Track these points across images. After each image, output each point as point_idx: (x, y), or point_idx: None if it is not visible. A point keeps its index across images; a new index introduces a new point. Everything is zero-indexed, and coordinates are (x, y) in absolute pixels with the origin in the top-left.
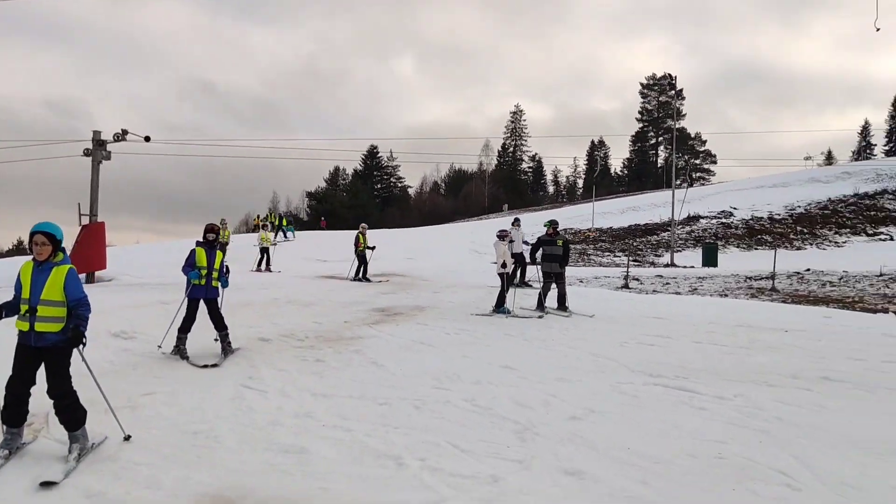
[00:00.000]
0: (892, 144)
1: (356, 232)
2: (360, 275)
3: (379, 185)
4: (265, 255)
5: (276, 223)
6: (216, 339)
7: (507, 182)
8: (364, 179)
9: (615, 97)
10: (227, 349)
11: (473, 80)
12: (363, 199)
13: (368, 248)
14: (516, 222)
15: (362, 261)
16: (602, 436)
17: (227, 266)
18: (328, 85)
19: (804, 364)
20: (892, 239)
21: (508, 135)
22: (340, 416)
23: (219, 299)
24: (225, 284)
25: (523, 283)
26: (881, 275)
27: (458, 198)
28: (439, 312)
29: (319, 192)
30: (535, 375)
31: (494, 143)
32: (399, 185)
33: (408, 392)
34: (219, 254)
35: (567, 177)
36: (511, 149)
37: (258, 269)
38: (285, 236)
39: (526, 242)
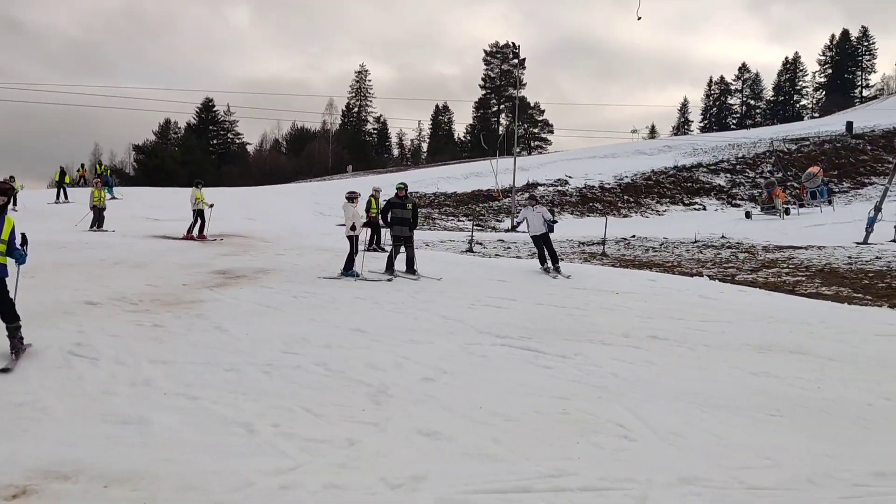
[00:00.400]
0: (706, 121)
1: (191, 189)
2: (198, 232)
3: (215, 141)
4: (99, 216)
5: (101, 171)
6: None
7: (351, 143)
8: (198, 134)
9: (457, 62)
10: (18, 347)
11: (313, 35)
12: (197, 154)
13: (207, 205)
14: (532, 200)
15: (200, 218)
16: (454, 396)
17: (23, 235)
18: (154, 30)
19: (634, 324)
20: (704, 209)
21: (353, 94)
22: (183, 383)
23: (8, 280)
24: (20, 260)
25: (378, 248)
26: (696, 241)
27: (300, 157)
28: (285, 275)
29: (148, 146)
30: (387, 338)
31: (339, 103)
32: (237, 141)
33: (256, 357)
34: (8, 220)
35: (412, 140)
36: (356, 109)
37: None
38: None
39: (553, 221)
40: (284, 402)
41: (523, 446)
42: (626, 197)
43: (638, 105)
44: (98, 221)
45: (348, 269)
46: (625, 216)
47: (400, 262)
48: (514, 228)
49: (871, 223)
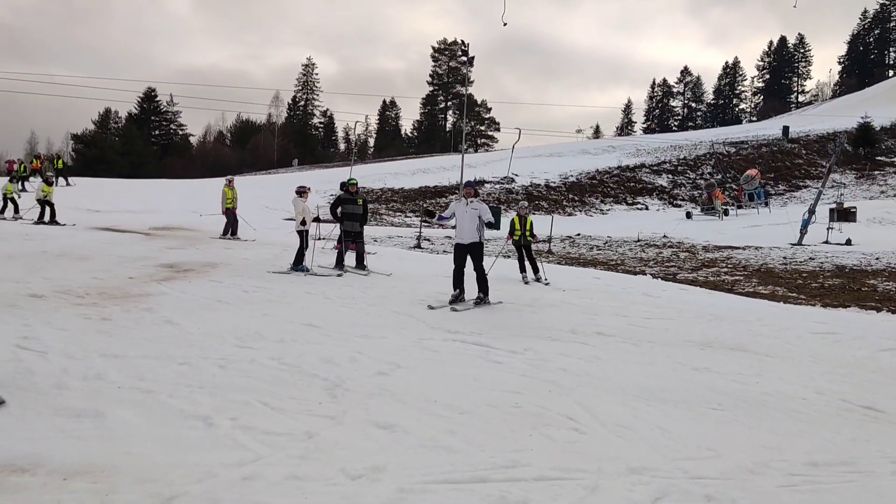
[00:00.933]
0: (649, 123)
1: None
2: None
3: (157, 132)
4: (49, 209)
5: (59, 167)
6: None
7: (297, 136)
8: (140, 125)
9: (400, 57)
10: None
11: (253, 25)
12: (139, 145)
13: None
14: (469, 189)
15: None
16: (409, 389)
17: None
18: (86, 15)
19: (580, 320)
20: (647, 209)
21: (300, 88)
22: (137, 377)
23: None
24: None
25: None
26: (638, 240)
27: (245, 150)
28: (234, 269)
29: (87, 135)
30: (340, 333)
31: (285, 96)
32: (180, 133)
33: (209, 351)
34: None
35: (359, 135)
36: (302, 103)
37: (41, 222)
38: (23, 186)
39: (491, 223)
40: (241, 396)
41: (478, 438)
42: (571, 196)
43: (582, 105)
44: (47, 214)
45: (298, 264)
46: (570, 214)
47: (350, 258)
48: (432, 221)
49: (805, 225)
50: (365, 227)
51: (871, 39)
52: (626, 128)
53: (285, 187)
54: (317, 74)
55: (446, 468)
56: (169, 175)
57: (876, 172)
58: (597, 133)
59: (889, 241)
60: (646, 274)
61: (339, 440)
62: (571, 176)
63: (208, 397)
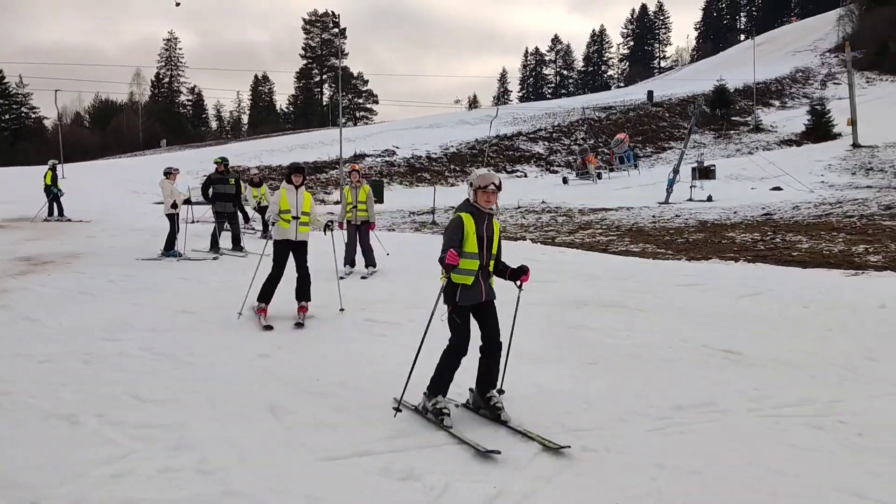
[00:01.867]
0: (524, 91)
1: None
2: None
3: (7, 117)
4: None
5: None
6: None
7: (164, 116)
8: None
9: (264, 28)
10: None
11: None
12: None
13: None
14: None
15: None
16: (292, 370)
17: None
18: None
19: None
20: (525, 176)
21: (164, 64)
22: None
23: None
24: None
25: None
26: (518, 207)
27: (106, 132)
28: (99, 258)
29: None
30: (217, 318)
31: (147, 73)
32: (33, 116)
33: (73, 346)
34: None
35: (231, 112)
36: (167, 80)
37: None
38: None
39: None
40: (109, 390)
41: (364, 413)
42: (452, 166)
43: (459, 76)
44: None
45: (169, 249)
46: (452, 185)
47: (225, 239)
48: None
49: (670, 184)
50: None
51: (724, 5)
52: (502, 97)
53: (155, 169)
54: (180, 49)
55: (329, 445)
56: (22, 161)
57: (732, 132)
58: (474, 103)
59: (745, 196)
60: (526, 239)
61: (216, 428)
62: (452, 146)
63: (73, 394)
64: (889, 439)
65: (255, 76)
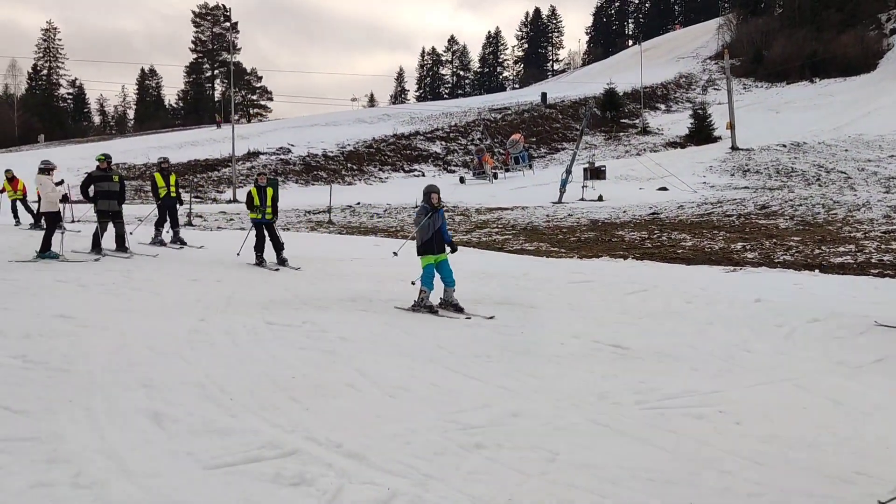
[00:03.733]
0: (421, 91)
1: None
2: None
3: None
4: None
5: None
6: None
7: (42, 109)
8: None
9: (133, 16)
10: None
11: None
12: None
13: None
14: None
15: None
16: (178, 375)
17: None
18: None
19: (364, 287)
20: (423, 175)
21: (41, 55)
22: None
23: None
24: None
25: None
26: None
27: None
28: None
29: None
30: (98, 321)
31: (24, 65)
32: None
33: None
34: None
35: (115, 107)
36: (45, 71)
37: None
38: None
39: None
40: None
41: (255, 417)
42: (349, 165)
43: (355, 74)
44: None
45: (46, 251)
46: (349, 184)
47: (108, 240)
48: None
49: (563, 184)
50: (123, 205)
51: (613, 11)
52: (399, 96)
53: (31, 166)
54: (60, 40)
55: (218, 452)
56: None
57: (621, 134)
58: (372, 101)
59: (633, 196)
60: None
61: (94, 438)
62: (349, 145)
63: None
64: (766, 426)
65: (142, 69)
